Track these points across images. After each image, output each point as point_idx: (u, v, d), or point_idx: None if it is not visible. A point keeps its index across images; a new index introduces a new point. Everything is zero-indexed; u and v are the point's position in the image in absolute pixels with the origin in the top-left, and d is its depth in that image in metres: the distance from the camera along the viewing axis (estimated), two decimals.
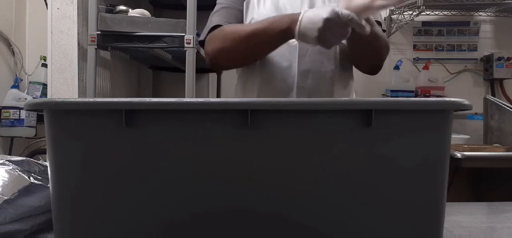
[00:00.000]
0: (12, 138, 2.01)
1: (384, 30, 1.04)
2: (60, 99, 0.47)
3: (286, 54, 0.99)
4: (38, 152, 1.95)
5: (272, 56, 0.99)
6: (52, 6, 1.72)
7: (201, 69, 1.96)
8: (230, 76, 1.99)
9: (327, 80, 1.00)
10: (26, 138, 2.04)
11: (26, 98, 1.98)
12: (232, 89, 1.16)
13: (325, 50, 0.95)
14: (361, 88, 2.45)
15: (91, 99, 0.46)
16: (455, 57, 2.47)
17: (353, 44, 0.95)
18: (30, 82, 2.11)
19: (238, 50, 0.95)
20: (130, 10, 1.71)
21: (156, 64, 2.26)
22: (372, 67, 1.05)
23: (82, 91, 1.73)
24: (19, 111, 1.95)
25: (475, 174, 1.82)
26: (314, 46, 0.95)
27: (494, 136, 1.98)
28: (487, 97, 2.06)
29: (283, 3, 1.02)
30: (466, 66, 2.46)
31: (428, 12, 2.32)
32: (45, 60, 1.99)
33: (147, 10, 1.74)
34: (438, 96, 2.29)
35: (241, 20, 1.04)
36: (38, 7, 2.14)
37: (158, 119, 0.46)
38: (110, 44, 1.69)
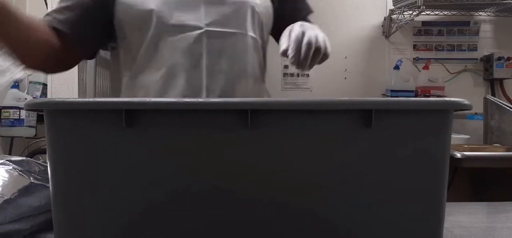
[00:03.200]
0: (12, 138, 2.01)
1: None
2: (60, 99, 0.46)
3: (191, 52, 0.83)
4: (38, 152, 1.95)
5: (171, 54, 0.83)
6: (52, 6, 1.71)
7: None
8: None
9: (241, 81, 0.87)
10: (26, 137, 2.04)
11: (26, 98, 1.97)
12: None
13: (238, 47, 0.85)
14: (361, 88, 2.46)
15: (91, 99, 0.46)
16: (455, 57, 2.47)
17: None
18: (30, 82, 2.11)
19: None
20: None
21: None
22: None
23: (82, 91, 1.73)
24: (19, 111, 1.95)
25: (475, 174, 1.82)
26: (225, 41, 0.83)
27: (494, 136, 1.98)
28: (487, 97, 2.06)
29: None
30: (466, 66, 2.46)
31: (428, 12, 2.32)
32: None
33: None
34: (438, 96, 2.29)
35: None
36: (38, 7, 2.14)
37: (158, 118, 0.46)
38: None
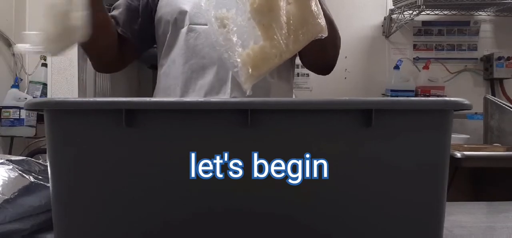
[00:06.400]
0: (12, 138, 2.01)
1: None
2: (60, 99, 0.47)
3: (219, 44, 0.90)
4: (38, 152, 1.95)
5: (201, 48, 0.90)
6: None
7: None
8: None
9: (264, 78, 0.92)
10: (26, 137, 2.04)
11: (26, 98, 1.97)
12: None
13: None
14: (361, 88, 2.46)
15: (91, 99, 0.46)
16: (455, 57, 2.47)
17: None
18: (30, 82, 2.11)
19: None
20: None
21: (156, 64, 2.25)
22: (324, 66, 0.96)
23: (82, 91, 1.73)
24: (19, 111, 1.94)
25: (475, 174, 1.82)
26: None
27: (494, 136, 1.98)
28: (487, 97, 2.06)
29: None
30: (466, 66, 2.46)
31: (428, 12, 2.33)
32: (45, 60, 1.99)
33: None
34: (438, 96, 2.29)
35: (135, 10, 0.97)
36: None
37: (158, 118, 0.46)
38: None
